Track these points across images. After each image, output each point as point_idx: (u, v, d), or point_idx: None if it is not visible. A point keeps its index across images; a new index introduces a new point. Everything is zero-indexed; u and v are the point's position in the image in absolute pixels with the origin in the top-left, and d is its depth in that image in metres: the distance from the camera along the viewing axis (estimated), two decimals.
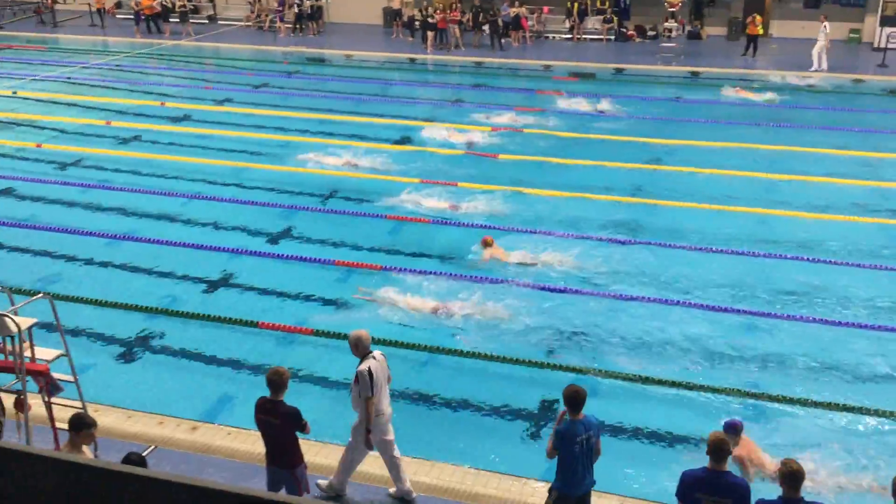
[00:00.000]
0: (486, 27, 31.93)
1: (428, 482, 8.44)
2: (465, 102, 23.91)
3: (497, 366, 10.66)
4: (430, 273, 13.01)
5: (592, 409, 7.34)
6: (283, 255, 13.81)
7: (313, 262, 13.51)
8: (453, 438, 9.32)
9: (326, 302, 12.36)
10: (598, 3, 33.27)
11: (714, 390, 10.06)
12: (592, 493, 7.28)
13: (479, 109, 22.97)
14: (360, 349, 7.81)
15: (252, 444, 8.84)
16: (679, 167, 18.21)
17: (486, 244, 13.62)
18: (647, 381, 10.25)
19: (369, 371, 7.60)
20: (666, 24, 32.80)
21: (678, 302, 12.16)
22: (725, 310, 11.97)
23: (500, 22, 31.58)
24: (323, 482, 8.11)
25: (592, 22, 33.28)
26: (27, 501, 4.26)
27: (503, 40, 31.66)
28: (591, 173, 17.84)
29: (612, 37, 32.85)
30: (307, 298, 12.52)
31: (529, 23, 32.91)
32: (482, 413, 9.81)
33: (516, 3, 32.22)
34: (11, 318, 7.51)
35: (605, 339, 11.30)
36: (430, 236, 14.66)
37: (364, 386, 7.60)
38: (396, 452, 8.04)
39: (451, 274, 13.00)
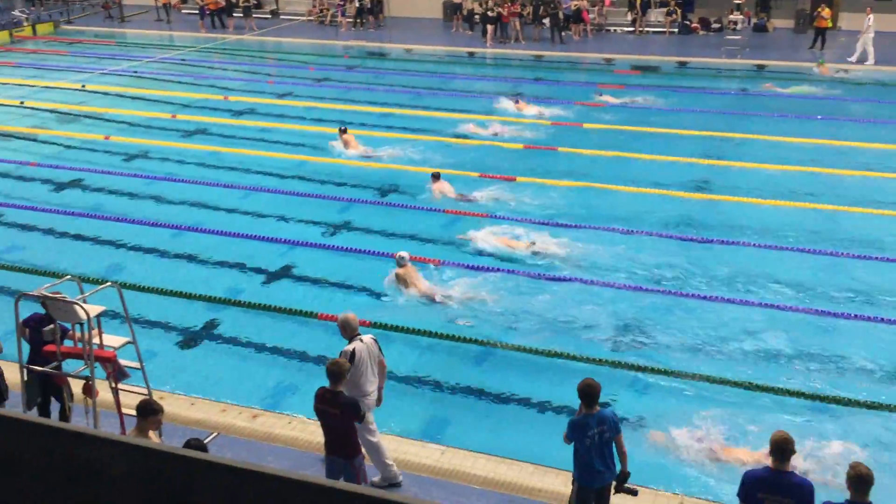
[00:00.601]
0: (546, 20, 31.73)
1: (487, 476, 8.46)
2: (525, 96, 23.77)
3: (560, 362, 10.59)
4: (484, 269, 12.99)
5: (636, 405, 7.25)
6: (341, 246, 13.92)
7: (370, 255, 13.59)
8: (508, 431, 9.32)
9: (383, 294, 12.42)
10: None
11: (779, 391, 9.86)
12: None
13: (539, 103, 22.84)
14: (348, 331, 8.05)
15: (311, 433, 8.95)
16: (743, 162, 17.88)
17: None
18: (704, 379, 10.09)
19: (353, 352, 7.85)
20: (731, 16, 32.21)
21: (739, 300, 11.95)
22: (790, 308, 11.73)
23: (560, 15, 31.36)
24: (375, 479, 8.17)
25: (655, 14, 32.83)
26: (95, 483, 4.38)
27: (564, 33, 31.44)
28: (651, 168, 17.62)
29: (676, 30, 32.38)
30: (364, 290, 12.59)
31: (591, 16, 32.62)
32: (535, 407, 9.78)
33: None
34: (81, 306, 7.70)
35: (664, 336, 11.17)
36: (487, 229, 14.61)
37: None
38: (375, 437, 8.09)
39: (505, 270, 12.96)
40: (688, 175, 17.17)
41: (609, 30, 33.62)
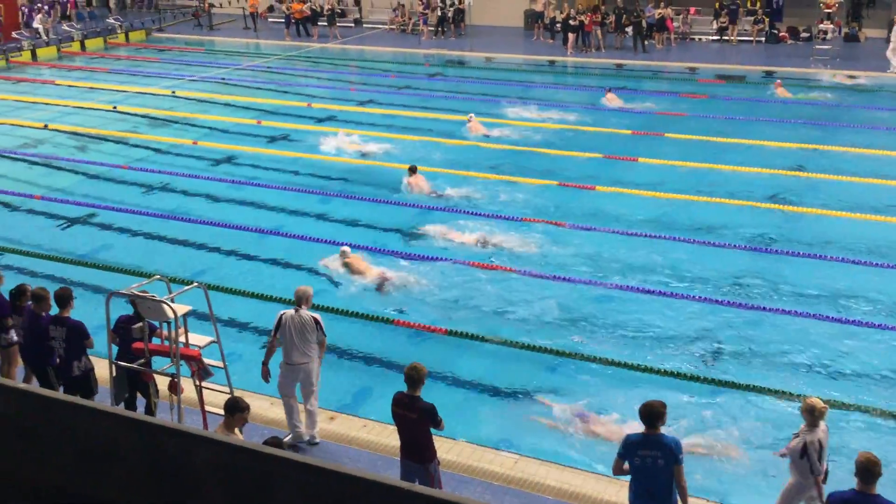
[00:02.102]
0: (629, 29, 31.44)
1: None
2: (605, 107, 23.61)
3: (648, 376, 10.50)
4: (559, 279, 12.95)
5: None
6: (419, 255, 14.01)
7: (446, 262, 13.66)
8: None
9: (458, 301, 12.49)
10: (749, 4, 32.19)
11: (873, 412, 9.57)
12: None
13: (619, 113, 22.67)
14: (294, 300, 8.96)
15: (386, 436, 9.05)
16: (826, 174, 17.41)
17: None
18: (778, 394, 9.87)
19: (280, 317, 8.79)
20: (821, 25, 31.36)
21: (821, 316, 11.65)
22: (873, 325, 11.38)
23: (644, 23, 31.03)
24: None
25: (742, 23, 32.20)
26: (181, 476, 4.54)
27: (646, 42, 31.10)
28: (732, 179, 17.30)
29: (763, 38, 31.71)
30: (440, 297, 12.66)
31: (675, 24, 32.19)
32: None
33: (661, 5, 31.58)
34: (169, 305, 7.96)
35: (749, 351, 10.97)
36: (565, 240, 14.55)
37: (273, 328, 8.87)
38: (311, 405, 9.00)
39: (597, 282, 12.89)
40: (770, 187, 16.81)
41: (693, 38, 33.12)
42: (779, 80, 24.79)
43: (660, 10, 31.42)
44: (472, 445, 8.99)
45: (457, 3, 35.26)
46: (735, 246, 14.05)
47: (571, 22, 31.14)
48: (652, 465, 6.67)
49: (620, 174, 17.79)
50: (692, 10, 33.42)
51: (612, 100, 23.57)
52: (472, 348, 11.22)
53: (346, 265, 13.25)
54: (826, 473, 7.15)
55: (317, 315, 8.93)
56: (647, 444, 6.70)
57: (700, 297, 12.29)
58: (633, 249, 14.03)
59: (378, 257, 13.82)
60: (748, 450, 9.00)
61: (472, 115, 21.40)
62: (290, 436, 9.05)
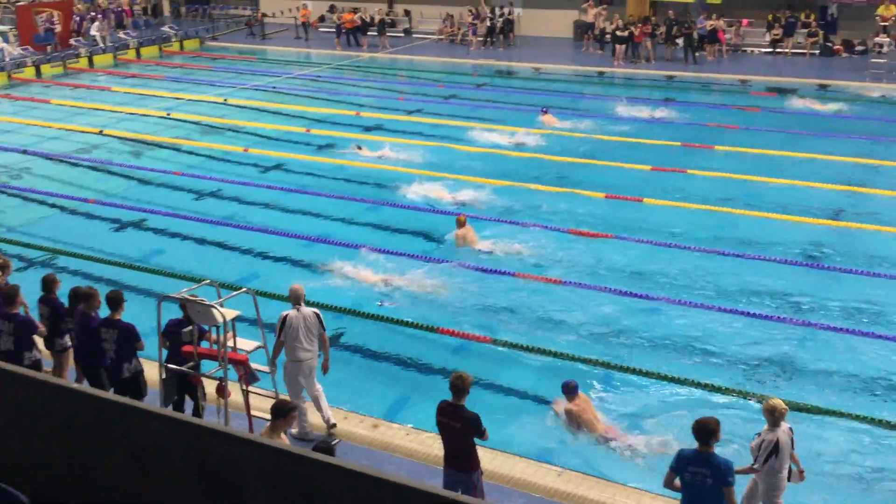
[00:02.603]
0: (679, 40, 31.19)
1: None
2: (657, 118, 23.45)
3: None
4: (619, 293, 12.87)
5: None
6: (463, 263, 14.01)
7: (492, 273, 13.65)
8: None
9: (504, 311, 12.47)
10: (803, 16, 31.72)
11: None
12: None
13: (670, 125, 22.49)
14: (291, 299, 9.19)
15: (429, 445, 9.05)
16: (886, 190, 17.05)
17: (459, 224, 14.65)
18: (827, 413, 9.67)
19: (285, 317, 9.02)
20: (877, 38, 30.76)
21: (871, 334, 11.41)
22: None
23: (695, 35, 30.76)
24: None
25: (796, 35, 31.73)
26: (228, 478, 4.59)
27: (697, 54, 30.81)
28: (783, 192, 17.05)
29: (817, 51, 31.22)
30: (484, 307, 12.66)
31: (727, 36, 31.86)
32: None
33: (713, 16, 31.28)
34: (218, 310, 8.07)
35: (797, 368, 10.79)
36: (611, 252, 14.46)
37: (277, 329, 9.09)
38: (317, 392, 9.25)
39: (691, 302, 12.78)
40: (823, 201, 16.55)
41: (745, 50, 32.74)
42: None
43: (711, 22, 31.12)
44: (516, 456, 8.95)
45: (506, 13, 35.31)
46: (785, 261, 13.84)
47: (619, 33, 30.99)
48: (701, 484, 6.60)
49: (669, 186, 17.63)
50: (744, 21, 33.03)
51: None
52: (516, 358, 11.19)
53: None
54: (790, 474, 7.31)
55: (317, 310, 9.27)
56: (699, 461, 6.63)
57: (748, 312, 12.12)
58: (680, 262, 13.89)
59: (421, 265, 13.86)
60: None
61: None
62: (297, 430, 9.20)
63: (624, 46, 30.95)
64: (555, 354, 11.12)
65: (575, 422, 9.39)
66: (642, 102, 25.35)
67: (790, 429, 7.30)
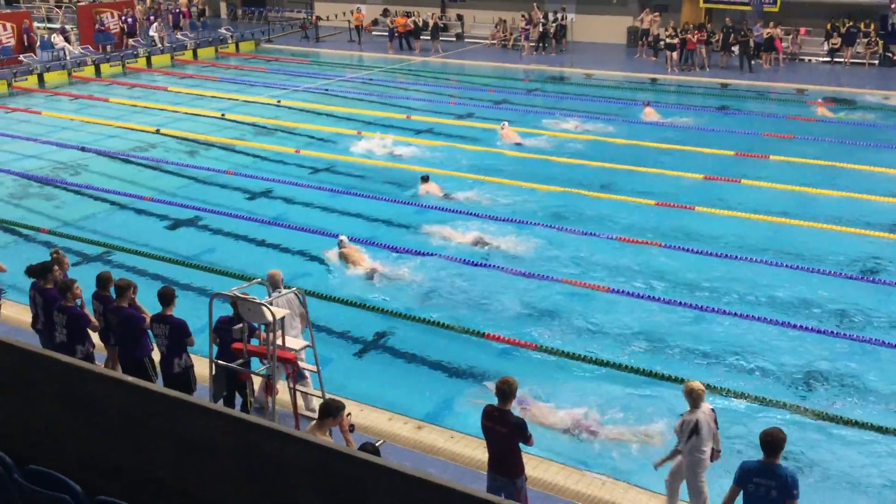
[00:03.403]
0: (735, 48, 30.80)
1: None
2: (710, 127, 23.17)
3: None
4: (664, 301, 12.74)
5: None
6: (510, 269, 13.99)
7: (540, 279, 13.61)
8: None
9: (548, 316, 12.43)
10: (863, 26, 31.10)
11: None
12: None
13: (724, 133, 22.21)
14: (270, 284, 9.58)
15: (473, 449, 9.05)
16: None
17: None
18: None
19: (270, 302, 8.96)
20: None
21: None
22: None
23: (751, 43, 30.35)
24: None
25: (855, 45, 31.12)
26: (276, 474, 4.64)
27: (753, 62, 30.39)
28: (839, 204, 16.73)
29: (876, 61, 30.59)
30: (529, 312, 12.62)
31: (784, 44, 31.38)
32: None
33: (771, 24, 30.82)
34: (268, 308, 8.17)
35: (848, 383, 10.58)
36: (661, 261, 14.32)
37: None
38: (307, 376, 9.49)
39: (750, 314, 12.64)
40: (879, 214, 16.20)
41: (802, 59, 32.21)
42: (819, 100, 25.00)
43: (768, 30, 30.69)
44: (559, 464, 8.90)
45: (559, 19, 35.20)
46: (839, 274, 13.58)
47: (670, 39, 30.71)
48: (765, 495, 6.52)
49: (722, 195, 17.42)
50: (802, 30, 32.50)
51: (649, 114, 24.09)
52: (561, 365, 11.12)
53: (343, 255, 14.14)
54: (713, 453, 7.74)
55: (296, 289, 9.64)
56: (764, 472, 6.55)
57: (800, 325, 11.91)
58: (731, 273, 13.71)
59: (467, 269, 13.88)
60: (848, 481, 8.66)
61: (506, 122, 22.31)
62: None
63: (677, 53, 30.66)
64: (600, 363, 11.04)
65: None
66: (695, 110, 25.08)
67: (712, 410, 7.70)
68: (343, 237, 14.38)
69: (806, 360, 11.12)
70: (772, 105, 26.21)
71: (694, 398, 7.57)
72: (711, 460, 7.78)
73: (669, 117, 24.25)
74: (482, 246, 14.93)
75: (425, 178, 17.89)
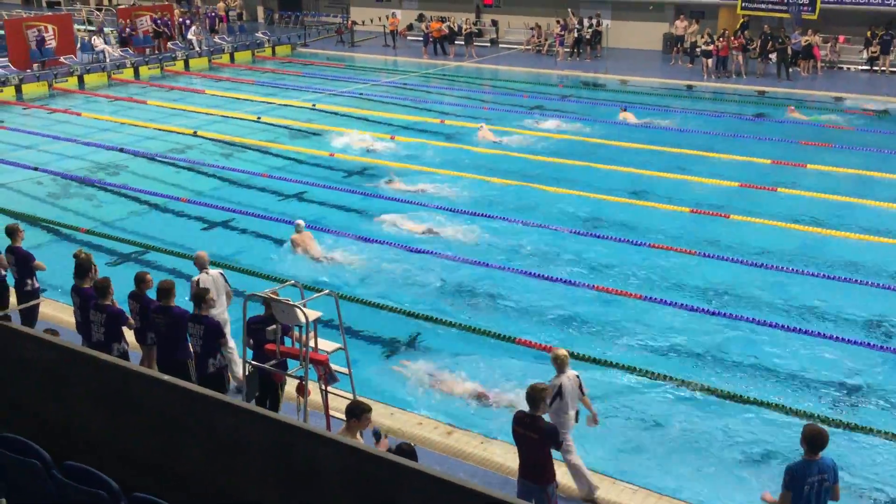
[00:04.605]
0: (773, 55, 30.51)
1: None
2: (743, 134, 22.98)
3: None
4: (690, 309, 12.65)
5: None
6: (545, 275, 13.97)
7: (571, 285, 13.57)
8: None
9: (581, 323, 12.40)
10: None
11: None
12: None
13: (760, 141, 22.01)
14: (198, 265, 10.56)
15: (503, 455, 9.04)
16: None
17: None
18: None
19: (197, 281, 10.25)
20: None
21: None
22: None
23: (789, 50, 30.06)
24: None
25: (893, 53, 30.70)
26: (309, 475, 4.67)
27: (791, 69, 30.09)
28: (877, 214, 16.58)
29: None
30: (563, 320, 12.59)
31: (822, 52, 31.02)
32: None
33: (809, 32, 30.50)
34: (301, 310, 8.23)
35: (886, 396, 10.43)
36: (695, 269, 14.21)
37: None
38: (232, 347, 9.99)
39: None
40: None
41: (841, 67, 31.83)
42: (791, 105, 25.45)
43: (806, 38, 30.38)
44: (590, 472, 8.85)
45: (594, 24, 35.09)
46: (876, 284, 13.39)
47: (706, 46, 30.52)
48: (819, 488, 6.65)
49: (757, 204, 17.27)
50: (841, 38, 32.13)
51: (627, 118, 24.38)
52: (593, 372, 11.07)
53: (293, 241, 14.67)
54: (577, 414, 8.42)
55: (221, 271, 10.69)
56: (813, 469, 6.62)
57: (835, 336, 11.76)
58: (765, 282, 13.60)
59: (499, 274, 13.88)
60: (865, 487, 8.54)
61: (483, 124, 23.05)
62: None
63: (713, 60, 30.45)
64: (631, 370, 10.99)
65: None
66: (731, 117, 24.87)
67: (577, 376, 8.44)
68: (300, 221, 14.90)
69: (838, 371, 10.98)
70: (809, 113, 25.90)
71: (559, 364, 8.34)
72: (591, 424, 8.64)
73: (705, 124, 24.08)
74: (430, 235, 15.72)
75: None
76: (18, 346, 6.03)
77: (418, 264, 14.48)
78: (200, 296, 9.24)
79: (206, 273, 10.48)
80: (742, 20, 32.43)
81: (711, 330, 12.14)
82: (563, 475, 8.43)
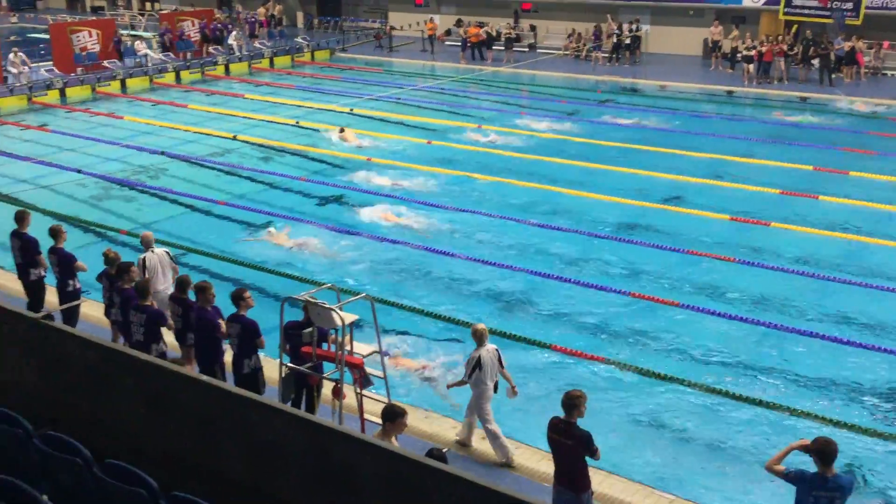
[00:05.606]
0: (815, 61, 30.11)
1: None
2: (785, 140, 22.70)
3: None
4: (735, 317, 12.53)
5: None
6: (580, 281, 13.91)
7: (608, 291, 13.50)
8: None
9: (616, 330, 12.33)
10: None
11: None
12: None
13: (801, 148, 21.73)
14: (144, 244, 11.36)
15: (537, 462, 9.01)
16: None
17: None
18: None
19: (143, 259, 11.06)
20: None
21: None
22: None
23: (832, 56, 29.64)
24: None
25: None
26: (345, 477, 4.70)
27: (834, 76, 29.67)
28: None
29: None
30: (600, 327, 12.53)
31: (866, 58, 30.55)
32: None
33: (853, 38, 30.05)
34: (338, 313, 8.28)
35: None
36: (733, 276, 14.07)
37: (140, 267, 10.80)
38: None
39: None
40: None
41: (885, 73, 31.31)
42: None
43: (850, 43, 29.92)
44: (626, 480, 8.80)
45: (634, 30, 34.90)
46: None
47: (746, 52, 30.21)
48: None
49: (798, 211, 17.05)
50: (885, 43, 31.61)
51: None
52: (627, 379, 11.00)
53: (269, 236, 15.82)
54: (496, 386, 9.08)
55: (167, 249, 11.51)
56: (825, 485, 6.42)
57: (877, 347, 11.57)
58: (804, 290, 13.43)
59: (535, 280, 13.83)
60: None
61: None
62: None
63: (753, 66, 30.13)
64: (667, 378, 10.89)
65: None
66: (772, 124, 24.58)
67: (496, 349, 9.05)
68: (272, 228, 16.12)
69: (880, 381, 10.79)
70: (852, 120, 25.52)
71: (478, 337, 8.97)
72: (510, 396, 9.19)
73: (745, 130, 23.83)
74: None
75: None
76: (61, 345, 6.14)
77: (463, 269, 14.48)
78: (238, 296, 9.32)
79: (152, 252, 11.24)
80: (794, 27, 32.05)
81: (749, 338, 12.00)
82: (599, 483, 8.37)
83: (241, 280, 13.77)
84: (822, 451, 6.45)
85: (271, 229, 16.32)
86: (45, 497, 5.32)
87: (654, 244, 15.39)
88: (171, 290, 10.71)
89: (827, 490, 6.40)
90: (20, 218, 11.66)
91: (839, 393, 10.64)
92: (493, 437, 9.08)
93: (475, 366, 8.91)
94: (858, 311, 12.72)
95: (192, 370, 9.54)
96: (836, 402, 10.42)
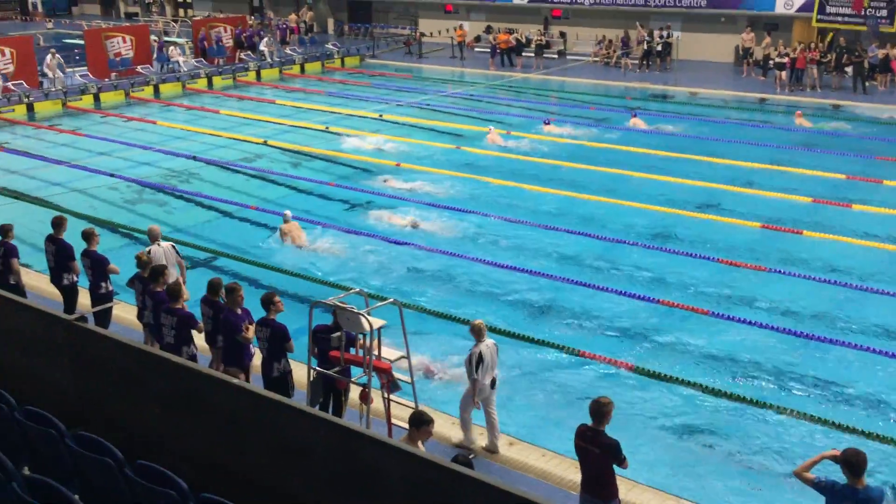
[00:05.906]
0: (849, 68, 29.79)
1: None
2: (816, 147, 22.49)
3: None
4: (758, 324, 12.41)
5: None
6: (606, 287, 13.86)
7: (636, 298, 13.43)
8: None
9: (644, 338, 12.28)
10: None
11: None
12: None
13: (834, 156, 21.50)
14: (150, 238, 11.55)
15: (564, 469, 8.97)
16: None
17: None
18: None
19: (149, 252, 11.04)
20: None
21: None
22: None
23: (865, 63, 29.30)
24: None
25: None
26: (372, 481, 4.72)
27: (868, 83, 29.33)
28: None
29: None
30: (629, 333, 12.47)
31: None
32: None
33: (887, 45, 29.69)
34: (366, 318, 8.32)
35: None
36: (763, 285, 13.96)
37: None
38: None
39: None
40: None
41: None
42: (799, 111, 25.64)
43: (884, 50, 29.57)
44: (653, 490, 8.74)
45: (665, 36, 34.75)
46: None
47: (778, 59, 29.96)
48: None
49: (831, 220, 16.88)
50: None
51: (636, 123, 25.10)
52: (657, 387, 10.94)
53: (281, 230, 15.81)
54: (494, 382, 9.23)
55: (172, 243, 11.68)
56: (855, 496, 6.33)
57: None
58: (835, 299, 13.28)
59: (571, 287, 13.80)
60: None
61: (492, 127, 24.09)
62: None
63: (785, 73, 29.87)
64: (696, 386, 10.82)
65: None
66: (804, 131, 24.36)
67: (494, 344, 9.24)
68: (287, 211, 16.02)
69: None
70: (886, 128, 25.21)
71: (477, 333, 9.13)
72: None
73: (777, 137, 23.63)
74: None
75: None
76: (94, 347, 6.23)
77: (500, 278, 14.47)
78: (267, 300, 9.38)
79: (158, 245, 11.41)
80: (829, 35, 31.75)
81: (780, 348, 11.89)
82: (627, 491, 8.32)
83: (271, 284, 13.87)
84: (852, 461, 6.35)
85: (286, 211, 16.20)
86: (76, 496, 5.40)
87: (683, 252, 15.30)
88: (179, 279, 11.11)
89: (857, 502, 6.30)
90: (57, 223, 11.81)
91: (873, 404, 10.49)
92: (490, 421, 9.39)
93: (478, 360, 9.06)
94: (893, 321, 12.55)
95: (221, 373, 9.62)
96: (871, 414, 10.28)
